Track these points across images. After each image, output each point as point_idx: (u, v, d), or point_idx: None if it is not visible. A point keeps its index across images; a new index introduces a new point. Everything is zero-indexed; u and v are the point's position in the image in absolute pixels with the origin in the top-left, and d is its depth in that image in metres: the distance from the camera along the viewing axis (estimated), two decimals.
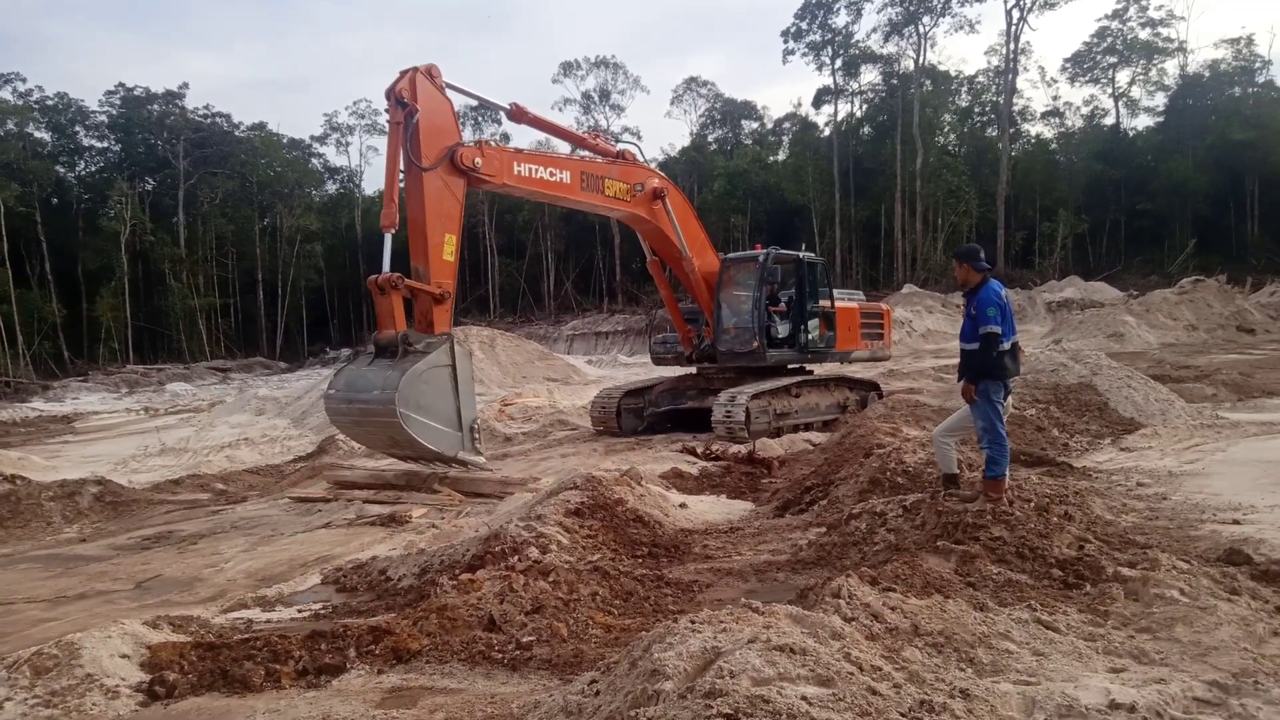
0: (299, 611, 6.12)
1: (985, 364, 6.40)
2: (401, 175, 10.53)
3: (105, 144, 65.18)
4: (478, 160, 10.71)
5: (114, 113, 63.22)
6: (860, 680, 3.21)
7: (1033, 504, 6.32)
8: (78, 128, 63.59)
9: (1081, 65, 63.07)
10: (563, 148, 17.43)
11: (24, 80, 59.38)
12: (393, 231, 10.24)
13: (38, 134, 60.32)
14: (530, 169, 11.81)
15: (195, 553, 8.18)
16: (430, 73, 10.34)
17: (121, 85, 62.93)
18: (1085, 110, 66.52)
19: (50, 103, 61.15)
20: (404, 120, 10.14)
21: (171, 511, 10.47)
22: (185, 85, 64.77)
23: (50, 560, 8.16)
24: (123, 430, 23.37)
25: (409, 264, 10.30)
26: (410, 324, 10.09)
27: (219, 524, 9.43)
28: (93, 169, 65.26)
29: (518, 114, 12.43)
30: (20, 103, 58.21)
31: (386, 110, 10.42)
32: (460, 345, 10.27)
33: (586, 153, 13.71)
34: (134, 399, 36.81)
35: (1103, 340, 27.55)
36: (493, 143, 12.59)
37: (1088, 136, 64.52)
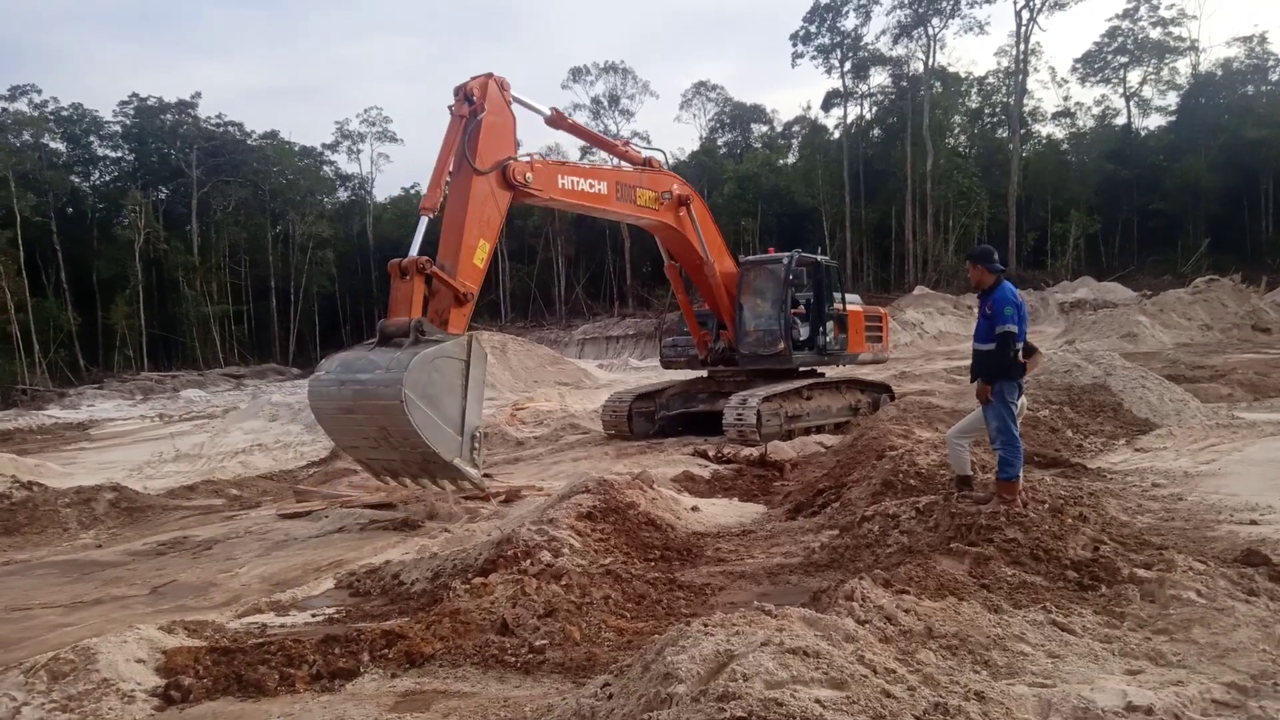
0: (313, 616, 6.14)
1: (1003, 364, 6.37)
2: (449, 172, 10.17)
3: (119, 154, 65.65)
4: (529, 175, 10.48)
5: (128, 123, 63.70)
6: (874, 683, 3.19)
7: (1047, 505, 6.27)
8: (92, 138, 64.11)
9: (1092, 65, 62.90)
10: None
11: (39, 92, 59.79)
12: (431, 216, 9.79)
13: (53, 144, 60.87)
14: (573, 181, 11.67)
15: (210, 558, 8.22)
16: (502, 85, 10.23)
17: (135, 95, 63.45)
18: (1096, 110, 66.42)
19: (65, 113, 61.66)
20: (468, 116, 9.90)
21: (186, 517, 10.52)
22: (198, 95, 65.08)
23: (66, 566, 8.21)
24: (138, 437, 23.53)
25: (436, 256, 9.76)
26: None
27: (233, 529, 9.46)
28: (107, 178, 65.71)
29: (557, 120, 12.11)
30: (36, 114, 58.74)
31: (452, 104, 10.00)
32: (480, 346, 9.14)
33: (616, 160, 13.67)
34: (149, 406, 37.06)
35: (1116, 341, 27.37)
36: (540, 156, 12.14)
37: (1099, 137, 64.32)
